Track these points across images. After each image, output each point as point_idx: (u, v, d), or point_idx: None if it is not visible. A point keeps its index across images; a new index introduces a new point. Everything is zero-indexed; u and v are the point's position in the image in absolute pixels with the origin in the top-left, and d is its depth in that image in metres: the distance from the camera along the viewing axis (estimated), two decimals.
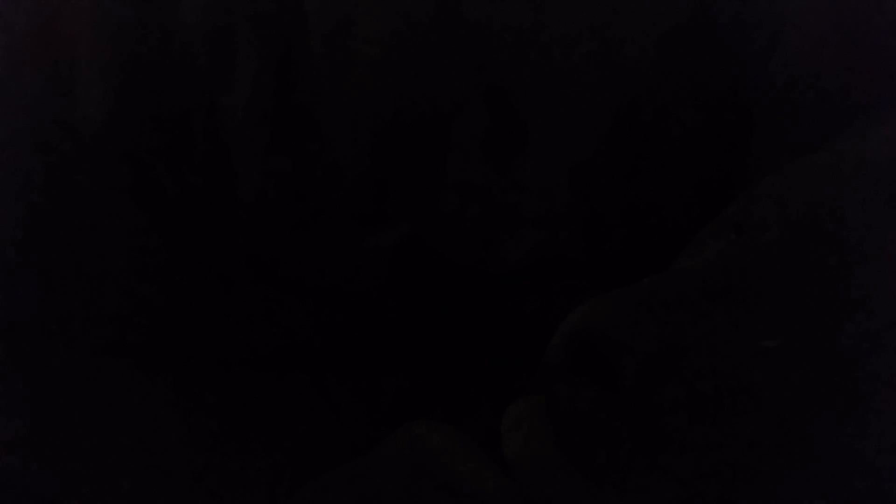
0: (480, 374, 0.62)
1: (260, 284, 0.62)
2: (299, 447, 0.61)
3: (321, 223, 0.61)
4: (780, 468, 0.39)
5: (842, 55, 0.52)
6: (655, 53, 0.55)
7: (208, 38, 0.59)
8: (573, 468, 0.44)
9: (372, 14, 0.58)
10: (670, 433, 0.42)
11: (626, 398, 0.44)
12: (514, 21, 0.56)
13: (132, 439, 0.63)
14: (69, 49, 0.61)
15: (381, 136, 0.59)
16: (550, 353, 0.52)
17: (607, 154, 0.56)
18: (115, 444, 0.63)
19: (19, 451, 0.65)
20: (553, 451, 0.46)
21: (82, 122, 0.60)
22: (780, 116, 0.52)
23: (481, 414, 0.60)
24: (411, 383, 0.62)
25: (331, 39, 0.58)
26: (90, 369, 0.64)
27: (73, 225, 0.62)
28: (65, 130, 0.61)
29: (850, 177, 0.45)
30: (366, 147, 0.59)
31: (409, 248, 0.60)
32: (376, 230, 0.60)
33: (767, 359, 0.41)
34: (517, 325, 0.60)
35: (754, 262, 0.44)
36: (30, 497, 0.64)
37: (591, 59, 0.55)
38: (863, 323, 0.41)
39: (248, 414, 0.63)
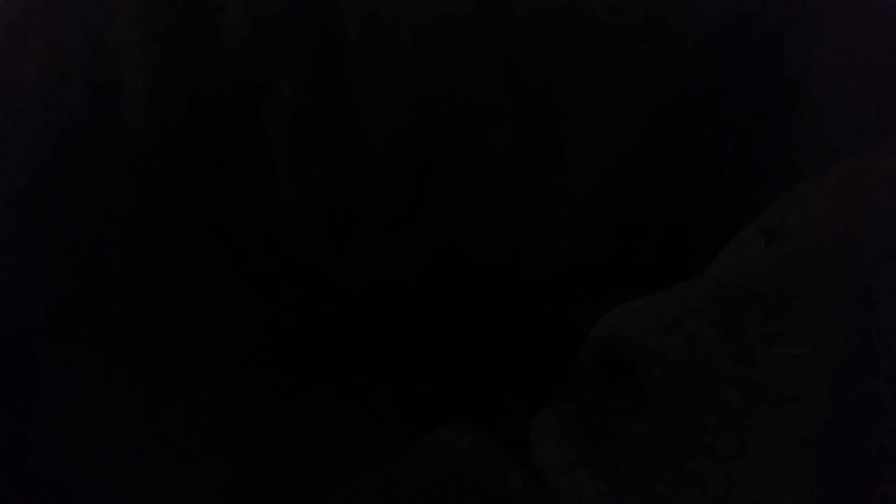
0: (511, 380, 0.62)
1: (295, 288, 0.62)
2: (332, 450, 0.62)
3: (356, 227, 0.61)
4: (809, 474, 0.39)
5: (882, 57, 0.51)
6: (696, 56, 0.54)
7: (249, 36, 0.60)
8: (601, 474, 0.44)
9: (407, 13, 0.58)
10: (697, 440, 0.41)
11: (653, 404, 0.44)
12: (555, 18, 0.56)
13: (164, 443, 0.63)
14: (115, 50, 0.62)
15: (417, 140, 0.59)
16: (581, 359, 0.52)
17: (643, 160, 0.56)
18: (145, 446, 0.64)
19: (58, 450, 0.66)
20: (581, 456, 0.46)
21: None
22: (819, 122, 0.52)
23: (512, 419, 0.61)
24: (443, 388, 0.62)
25: (368, 39, 0.58)
26: (129, 372, 0.65)
27: (113, 221, 0.63)
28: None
29: (884, 184, 0.45)
30: (401, 151, 0.59)
31: (442, 252, 0.60)
32: (411, 235, 0.60)
33: (796, 366, 0.40)
34: (549, 330, 0.61)
35: (784, 271, 0.44)
36: (67, 495, 0.65)
37: (631, 61, 0.55)
38: (893, 330, 0.41)
39: (281, 417, 0.63)
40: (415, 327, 0.62)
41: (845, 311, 0.42)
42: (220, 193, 0.62)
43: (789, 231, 0.46)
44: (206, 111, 0.61)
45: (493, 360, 0.63)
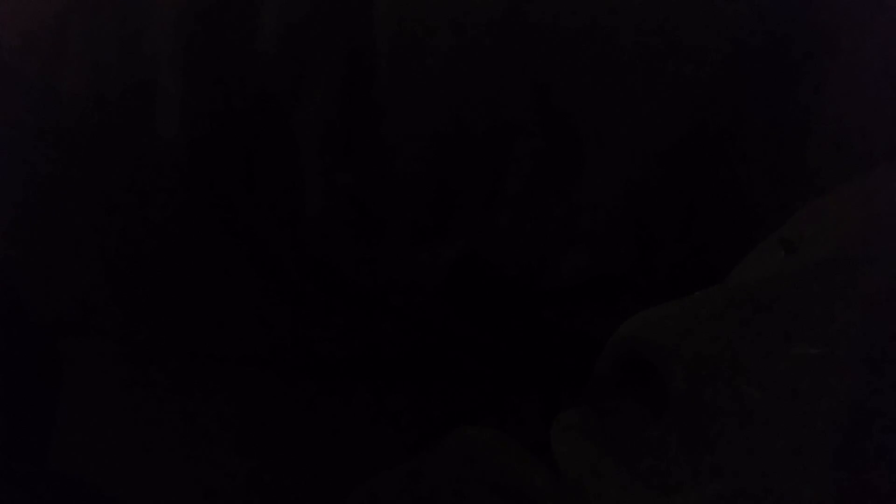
0: (527, 388, 0.64)
1: (319, 292, 0.64)
2: (347, 453, 0.63)
3: (381, 236, 0.62)
4: (826, 467, 0.41)
5: None
6: (717, 79, 0.56)
7: (281, 44, 0.62)
8: (624, 469, 0.46)
9: (438, 28, 0.60)
10: (718, 435, 0.43)
11: (675, 403, 0.45)
12: (583, 40, 0.58)
13: (183, 443, 0.64)
14: (151, 55, 0.63)
15: (442, 151, 0.61)
16: (599, 366, 0.53)
17: (663, 178, 0.58)
18: (164, 446, 0.65)
19: (78, 453, 0.67)
20: (604, 453, 0.47)
21: (160, 121, 0.63)
22: (836, 142, 0.54)
23: (529, 426, 0.62)
24: (460, 393, 0.64)
25: (398, 51, 0.60)
26: (137, 371, 0.66)
27: (142, 223, 0.64)
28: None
29: None
30: (427, 162, 0.61)
31: (465, 262, 0.62)
32: (434, 244, 0.62)
33: (814, 365, 0.42)
34: (567, 340, 0.62)
35: (804, 278, 0.46)
36: (87, 498, 0.66)
37: (653, 83, 0.57)
38: None
39: (299, 418, 0.64)
40: (434, 333, 0.63)
41: (861, 316, 0.43)
42: (248, 199, 0.64)
43: (808, 242, 0.48)
44: (238, 118, 0.63)
45: (509, 367, 0.64)
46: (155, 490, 0.65)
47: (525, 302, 0.62)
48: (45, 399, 0.69)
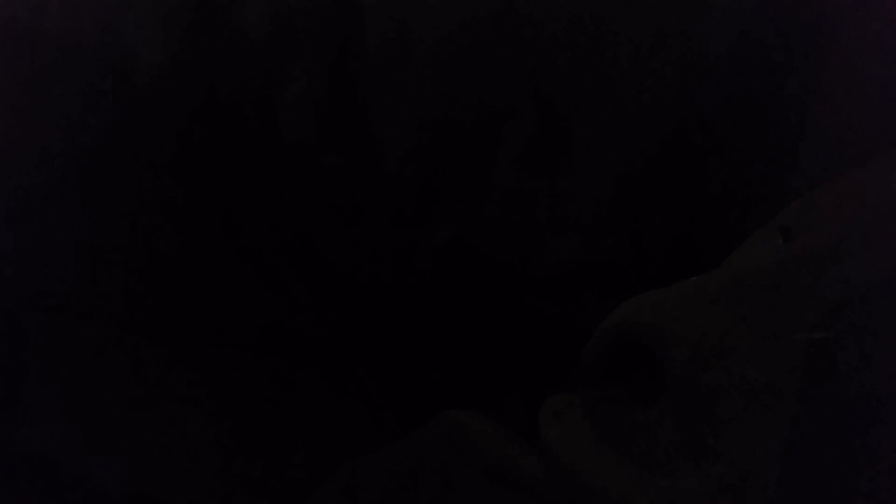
0: (510, 376, 0.63)
1: (301, 276, 0.63)
2: (331, 438, 0.62)
3: (366, 220, 0.62)
4: (831, 450, 0.41)
5: (887, 75, 0.53)
6: (711, 76, 0.56)
7: (270, 29, 0.61)
8: (619, 453, 0.45)
9: (430, 14, 0.59)
10: (721, 416, 0.43)
11: (674, 387, 0.45)
12: (576, 29, 0.57)
13: (167, 424, 0.63)
14: (132, 34, 0.62)
15: (431, 136, 0.60)
16: (589, 351, 0.53)
17: (654, 168, 0.57)
18: (137, 427, 0.64)
19: (47, 427, 0.66)
20: (597, 438, 0.47)
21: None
22: (826, 136, 0.54)
23: (513, 414, 0.61)
24: (445, 381, 0.63)
25: (387, 38, 0.60)
26: (124, 351, 0.65)
27: (121, 203, 0.63)
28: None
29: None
30: (414, 147, 0.61)
31: (451, 248, 0.61)
32: (420, 230, 0.61)
33: (817, 348, 0.42)
34: (552, 328, 0.62)
35: (803, 264, 0.45)
36: (57, 471, 0.64)
37: (648, 77, 0.57)
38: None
39: (281, 404, 0.63)
40: (420, 320, 0.63)
41: (863, 302, 0.43)
42: (230, 181, 0.63)
43: (807, 230, 0.47)
44: (222, 99, 0.62)
45: (493, 355, 0.63)
46: (124, 469, 0.64)
47: (512, 290, 0.62)
48: (8, 379, 0.67)
